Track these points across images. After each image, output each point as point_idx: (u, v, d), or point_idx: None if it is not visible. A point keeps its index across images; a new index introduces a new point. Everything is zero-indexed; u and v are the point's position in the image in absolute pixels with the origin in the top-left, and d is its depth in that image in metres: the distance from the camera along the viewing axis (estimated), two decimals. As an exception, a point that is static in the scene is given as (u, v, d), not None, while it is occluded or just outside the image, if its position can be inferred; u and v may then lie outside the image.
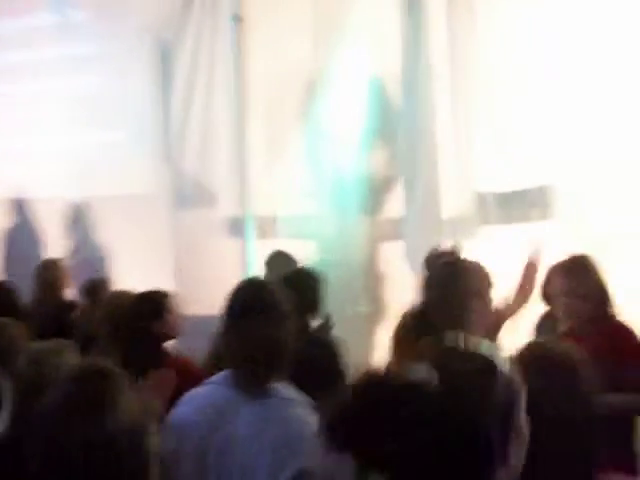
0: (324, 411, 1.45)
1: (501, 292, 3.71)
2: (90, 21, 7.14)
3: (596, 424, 1.84)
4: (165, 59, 6.76)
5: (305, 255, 5.50)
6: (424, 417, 1.32)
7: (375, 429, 1.31)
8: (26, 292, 5.51)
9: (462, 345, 1.48)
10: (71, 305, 5.70)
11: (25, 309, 4.87)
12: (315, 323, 4.08)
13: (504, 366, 1.45)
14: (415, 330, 3.03)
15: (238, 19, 6.32)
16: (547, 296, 3.91)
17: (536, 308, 4.18)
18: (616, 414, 3.21)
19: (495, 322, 3.57)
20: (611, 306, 3.56)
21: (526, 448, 1.51)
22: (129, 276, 6.06)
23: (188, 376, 3.28)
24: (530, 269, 4.21)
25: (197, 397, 2.59)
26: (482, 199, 5.53)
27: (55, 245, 7.05)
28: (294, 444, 2.36)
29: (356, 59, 5.95)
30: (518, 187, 5.47)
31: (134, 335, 3.81)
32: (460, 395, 1.35)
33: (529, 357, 1.80)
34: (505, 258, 3.97)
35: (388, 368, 1.47)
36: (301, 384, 2.56)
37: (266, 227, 6.30)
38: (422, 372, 1.37)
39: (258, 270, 6.05)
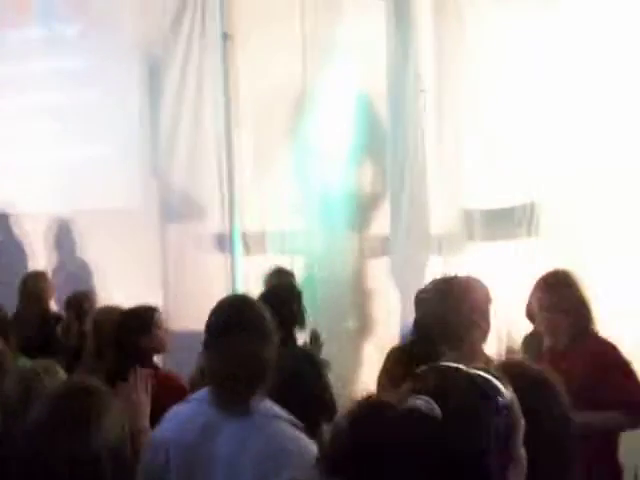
0: (322, 439, 1.44)
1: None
2: (79, 36, 7.13)
3: (576, 440, 1.84)
4: (154, 74, 6.77)
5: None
6: (422, 446, 1.31)
7: (373, 458, 1.31)
8: (12, 307, 5.50)
9: (461, 370, 1.45)
10: (55, 317, 5.70)
11: (11, 324, 4.86)
12: (300, 339, 4.08)
13: (503, 392, 1.41)
14: (407, 361, 3.01)
15: (227, 37, 6.35)
16: (531, 314, 3.91)
17: (522, 326, 4.19)
18: (597, 434, 3.23)
19: None
20: (593, 322, 3.56)
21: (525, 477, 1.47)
22: (116, 290, 6.05)
23: (173, 391, 3.28)
24: None
25: (180, 414, 2.58)
26: (469, 216, 5.55)
27: (42, 259, 7.03)
28: (278, 458, 2.35)
29: (344, 75, 5.98)
30: (505, 204, 5.49)
31: (122, 350, 3.80)
32: (459, 423, 1.33)
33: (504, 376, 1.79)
34: (491, 275, 3.97)
35: (384, 395, 1.45)
36: (284, 399, 2.55)
37: (254, 242, 6.30)
38: (420, 400, 1.36)
39: (246, 285, 6.06)
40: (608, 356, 3.47)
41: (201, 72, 6.50)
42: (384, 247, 5.93)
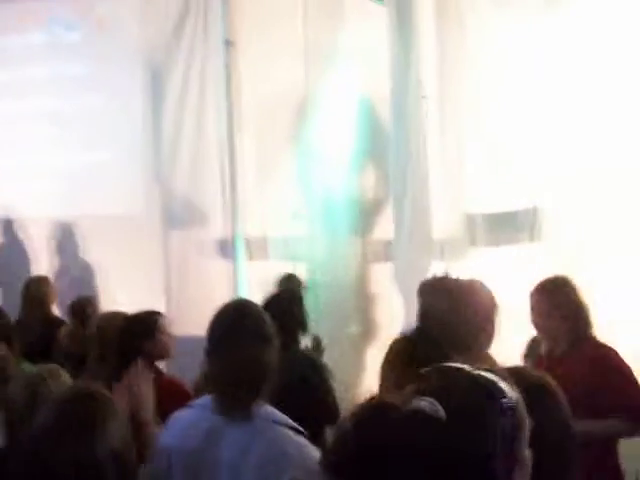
0: (326, 442, 1.44)
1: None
2: (81, 41, 7.16)
3: (577, 446, 1.84)
4: (156, 80, 6.79)
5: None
6: (426, 447, 1.31)
7: (377, 460, 1.31)
8: (15, 312, 5.51)
9: (466, 371, 1.45)
10: (58, 321, 5.70)
11: (14, 329, 4.87)
12: (303, 344, 4.09)
13: (508, 393, 1.40)
14: (411, 357, 3.00)
15: (229, 43, 6.37)
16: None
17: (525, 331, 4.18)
18: (597, 441, 3.22)
19: None
20: (591, 327, 3.55)
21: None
22: (119, 296, 6.06)
23: (177, 397, 3.28)
24: None
25: (182, 420, 2.59)
26: (471, 220, 5.56)
27: (45, 264, 7.05)
28: (279, 462, 2.36)
29: (346, 81, 5.99)
30: (507, 209, 5.50)
31: (125, 355, 3.80)
32: (463, 424, 1.33)
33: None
34: (493, 280, 3.97)
35: (388, 397, 1.44)
36: (287, 404, 2.56)
37: (256, 248, 6.31)
38: (424, 401, 1.36)
39: (248, 291, 6.06)
40: (607, 360, 3.46)
41: (203, 78, 6.51)
42: (387, 252, 5.93)
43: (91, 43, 7.07)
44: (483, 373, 1.42)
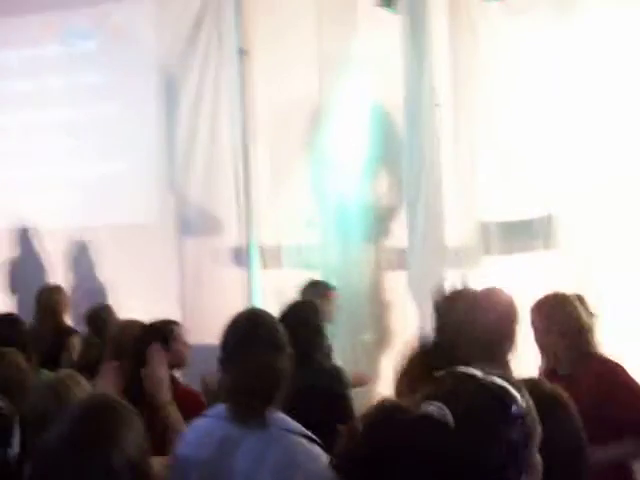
0: (335, 445, 1.45)
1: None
2: (97, 50, 7.21)
3: (588, 458, 1.83)
4: (171, 89, 6.83)
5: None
6: (433, 451, 1.32)
7: (385, 461, 1.32)
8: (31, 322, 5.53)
9: (477, 377, 1.44)
10: (68, 330, 5.72)
11: (31, 338, 4.89)
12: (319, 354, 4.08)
13: (519, 399, 1.40)
14: (426, 364, 2.99)
15: (243, 52, 6.40)
16: None
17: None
18: (615, 464, 3.18)
19: None
20: (592, 344, 3.47)
21: None
22: (134, 305, 6.08)
23: (192, 407, 3.29)
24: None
25: (197, 429, 2.60)
26: (485, 228, 5.55)
27: (60, 274, 7.08)
28: (294, 470, 2.37)
29: (359, 89, 6.00)
30: (521, 216, 5.49)
31: (140, 364, 3.81)
32: (470, 430, 1.33)
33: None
34: (507, 288, 3.96)
35: (399, 401, 1.45)
36: (303, 411, 2.57)
37: (270, 256, 6.32)
38: (433, 405, 1.36)
39: (263, 299, 6.07)
40: (614, 376, 3.39)
41: (218, 87, 6.54)
42: (400, 259, 5.93)
43: (106, 52, 7.12)
44: (495, 380, 1.42)
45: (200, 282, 6.50)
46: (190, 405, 3.43)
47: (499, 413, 1.37)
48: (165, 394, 3.27)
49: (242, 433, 2.47)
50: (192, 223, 6.70)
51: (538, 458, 1.43)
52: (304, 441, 2.44)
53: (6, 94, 7.46)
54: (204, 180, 6.58)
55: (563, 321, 3.47)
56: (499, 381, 1.42)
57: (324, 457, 2.38)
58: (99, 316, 5.53)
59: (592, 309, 3.65)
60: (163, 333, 3.95)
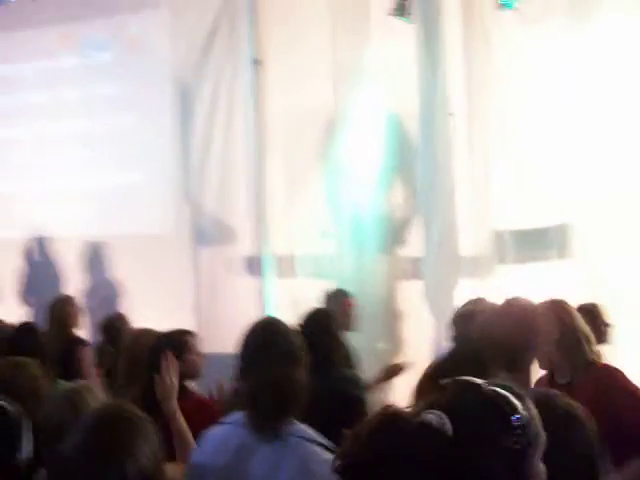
0: (339, 450, 1.46)
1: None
2: (113, 61, 7.26)
3: (603, 471, 1.82)
4: (185, 100, 6.86)
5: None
6: (430, 459, 1.32)
7: (385, 468, 1.32)
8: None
9: (479, 386, 1.43)
10: (80, 341, 5.74)
11: (47, 347, 4.91)
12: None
13: (520, 409, 1.39)
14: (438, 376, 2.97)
15: (257, 62, 6.43)
16: None
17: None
18: None
19: None
20: (590, 353, 3.40)
21: None
22: (149, 313, 6.10)
23: (207, 417, 3.29)
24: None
25: (214, 437, 2.61)
26: (499, 237, 5.53)
27: (76, 284, 7.12)
28: (310, 478, 2.38)
29: (373, 99, 6.01)
30: (536, 225, 5.47)
31: (155, 373, 3.82)
32: (468, 439, 1.33)
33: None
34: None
35: (402, 408, 1.46)
36: (321, 420, 2.57)
37: (285, 265, 6.33)
38: (432, 415, 1.37)
39: (277, 308, 6.08)
40: (613, 380, 3.34)
41: (232, 97, 6.57)
42: (415, 269, 5.92)
43: (122, 63, 7.17)
44: (496, 389, 1.42)
45: (215, 291, 6.52)
46: (204, 415, 3.44)
47: (499, 422, 1.37)
48: (173, 403, 3.28)
49: (258, 441, 2.48)
50: (207, 233, 6.72)
51: (541, 467, 1.43)
52: (320, 450, 2.44)
53: (22, 106, 7.53)
54: (219, 190, 6.61)
55: (559, 330, 3.44)
56: (500, 390, 1.42)
57: None
58: (114, 325, 5.55)
59: (607, 318, 3.63)
60: (177, 343, 3.94)
